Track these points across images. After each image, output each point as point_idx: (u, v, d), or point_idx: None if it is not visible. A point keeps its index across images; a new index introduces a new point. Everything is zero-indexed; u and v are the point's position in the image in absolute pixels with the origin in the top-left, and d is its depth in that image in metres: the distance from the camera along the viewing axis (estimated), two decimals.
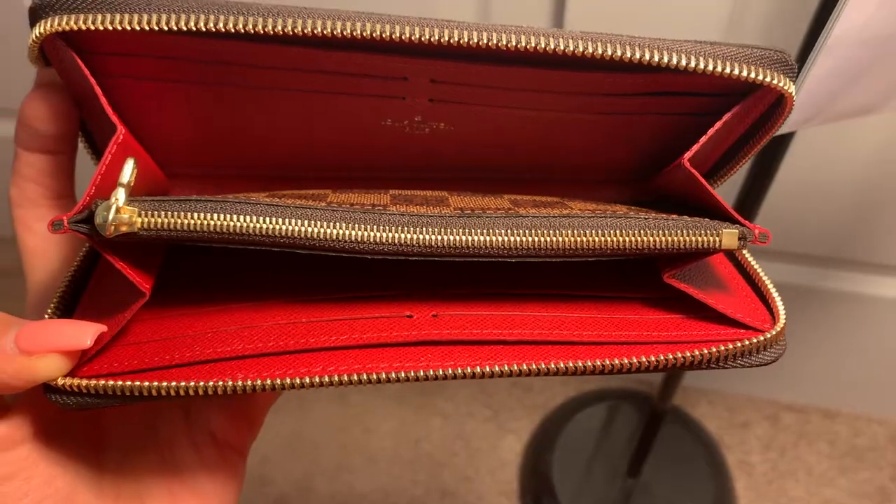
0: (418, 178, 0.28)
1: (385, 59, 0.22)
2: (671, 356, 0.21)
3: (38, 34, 0.20)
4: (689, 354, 0.21)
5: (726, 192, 0.39)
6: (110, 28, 0.20)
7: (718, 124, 0.23)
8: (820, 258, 0.67)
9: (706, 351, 0.21)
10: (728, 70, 0.21)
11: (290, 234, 0.20)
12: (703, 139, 0.23)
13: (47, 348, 0.19)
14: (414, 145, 0.26)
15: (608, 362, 0.21)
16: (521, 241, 0.21)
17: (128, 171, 0.20)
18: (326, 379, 0.21)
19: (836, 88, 0.33)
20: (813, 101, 0.33)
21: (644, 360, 0.21)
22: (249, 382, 0.20)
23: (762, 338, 0.22)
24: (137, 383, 0.20)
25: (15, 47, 0.70)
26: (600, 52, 0.21)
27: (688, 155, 0.23)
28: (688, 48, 0.21)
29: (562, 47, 0.21)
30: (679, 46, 0.21)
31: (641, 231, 0.21)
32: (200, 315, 0.23)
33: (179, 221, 0.19)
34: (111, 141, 0.21)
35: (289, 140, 0.26)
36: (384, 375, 0.21)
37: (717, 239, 0.21)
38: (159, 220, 0.19)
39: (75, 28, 0.20)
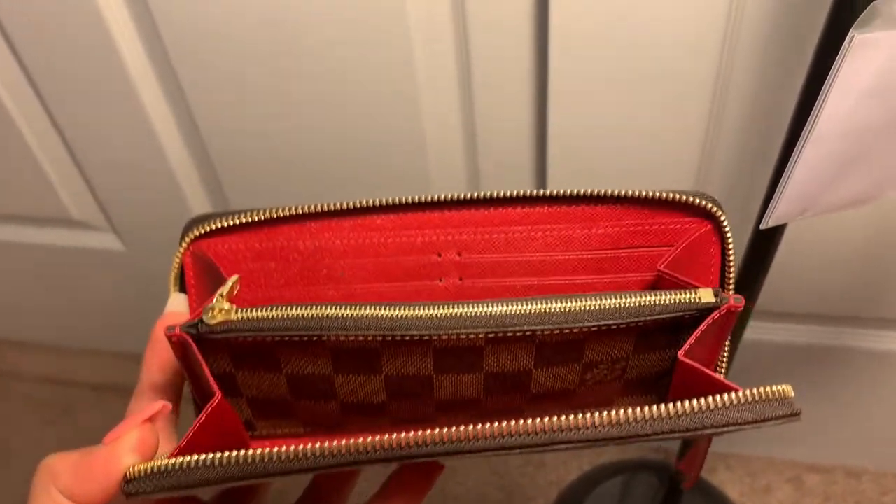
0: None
1: (421, 231, 0.28)
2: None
3: (188, 239, 0.28)
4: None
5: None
6: (236, 223, 0.28)
7: (677, 249, 0.29)
8: (838, 317, 0.65)
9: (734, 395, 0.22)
10: (668, 196, 0.28)
11: (363, 317, 0.24)
12: (671, 254, 0.29)
13: (127, 428, 0.23)
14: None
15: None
16: (541, 309, 0.25)
17: (231, 281, 0.25)
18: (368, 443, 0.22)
19: (827, 180, 0.32)
20: (804, 191, 0.33)
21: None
22: (318, 445, 0.22)
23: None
24: (208, 456, 0.22)
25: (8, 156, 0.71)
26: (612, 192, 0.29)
27: (661, 265, 0.29)
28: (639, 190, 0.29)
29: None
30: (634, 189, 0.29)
31: (637, 296, 0.25)
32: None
33: (267, 315, 0.24)
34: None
35: None
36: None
37: (696, 296, 0.26)
38: (251, 315, 0.24)
39: (217, 227, 0.28)
